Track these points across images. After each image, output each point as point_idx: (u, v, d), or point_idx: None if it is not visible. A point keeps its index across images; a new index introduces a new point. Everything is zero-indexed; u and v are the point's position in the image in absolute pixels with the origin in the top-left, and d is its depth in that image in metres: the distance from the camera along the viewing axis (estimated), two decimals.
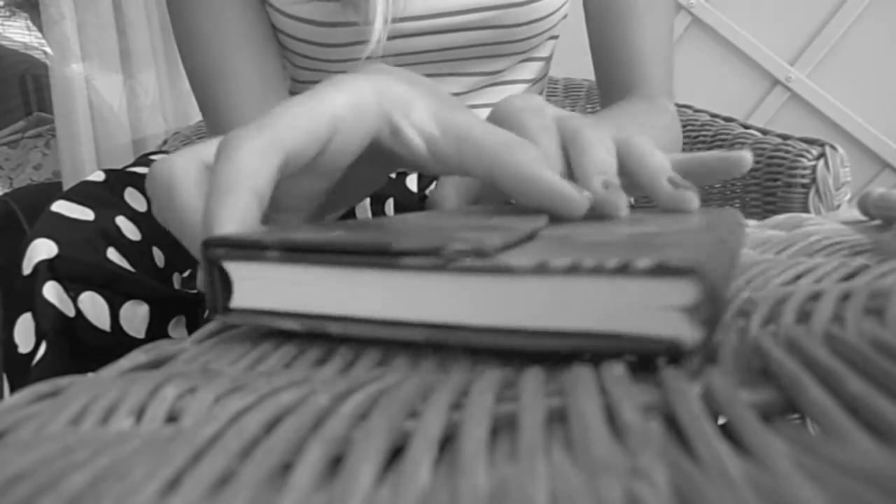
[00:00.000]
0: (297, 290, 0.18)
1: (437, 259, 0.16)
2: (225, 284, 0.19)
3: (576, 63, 0.59)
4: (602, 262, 0.14)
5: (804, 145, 0.58)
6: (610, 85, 0.57)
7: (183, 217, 0.24)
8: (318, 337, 0.18)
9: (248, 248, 0.18)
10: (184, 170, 0.25)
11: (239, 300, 0.19)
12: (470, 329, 0.16)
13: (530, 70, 0.58)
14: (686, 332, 0.13)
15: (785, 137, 0.62)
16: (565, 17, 0.55)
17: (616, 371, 0.13)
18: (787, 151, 0.59)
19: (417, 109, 0.26)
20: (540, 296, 0.15)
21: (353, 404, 0.12)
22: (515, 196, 0.25)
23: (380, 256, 0.16)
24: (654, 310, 0.14)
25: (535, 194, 0.24)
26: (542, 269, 0.15)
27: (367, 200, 0.55)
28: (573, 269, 0.14)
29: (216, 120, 0.50)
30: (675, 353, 0.14)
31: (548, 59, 0.60)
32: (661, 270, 0.13)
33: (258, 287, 0.18)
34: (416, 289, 0.16)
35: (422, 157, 0.26)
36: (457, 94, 0.55)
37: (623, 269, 0.14)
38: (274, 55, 0.52)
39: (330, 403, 0.12)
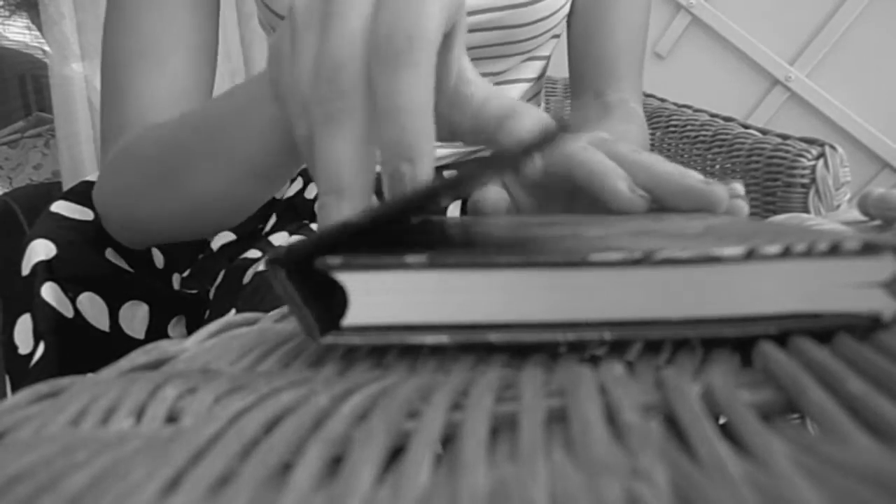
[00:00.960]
0: (445, 298, 0.16)
1: (634, 253, 0.15)
2: (327, 299, 0.16)
3: None
4: (813, 245, 0.15)
5: (804, 145, 0.58)
6: (582, 80, 0.57)
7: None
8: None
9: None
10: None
11: (356, 316, 0.16)
12: (667, 322, 0.15)
13: (533, 69, 0.58)
14: (886, 306, 0.14)
15: (784, 137, 0.62)
16: (566, 16, 0.56)
17: (616, 371, 0.13)
18: (787, 151, 0.59)
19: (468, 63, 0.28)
20: (744, 282, 0.15)
21: (353, 404, 0.12)
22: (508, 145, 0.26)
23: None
24: (855, 287, 0.15)
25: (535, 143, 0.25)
26: (753, 256, 0.15)
27: None
28: (785, 254, 0.15)
29: (121, 103, 0.44)
30: (874, 327, 0.14)
31: (549, 58, 0.60)
32: (869, 249, 0.14)
33: (385, 300, 0.16)
34: (604, 286, 0.15)
35: (449, 85, 0.27)
36: None
37: (834, 251, 0.14)
38: (209, 63, 0.49)
39: (330, 403, 0.12)
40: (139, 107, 0.44)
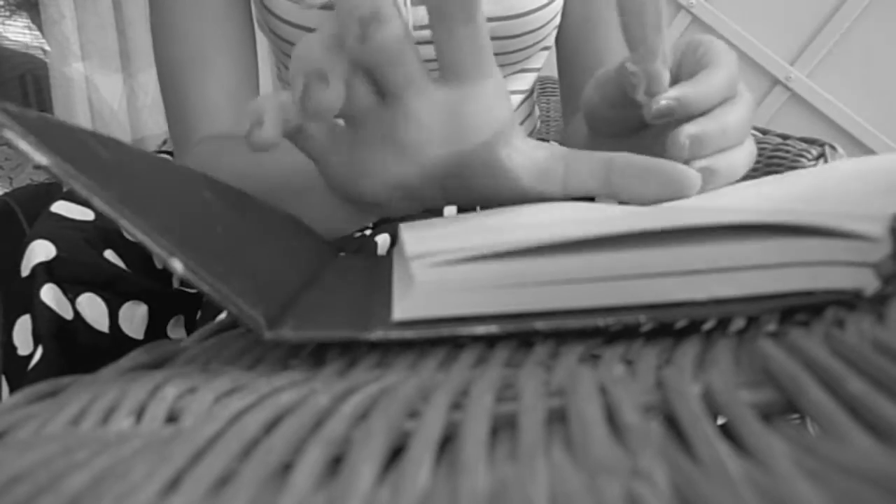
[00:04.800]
0: (496, 289, 0.16)
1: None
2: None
3: None
4: (824, 223, 0.16)
5: (804, 145, 0.58)
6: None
7: None
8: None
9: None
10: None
11: (405, 310, 0.16)
12: (689, 304, 0.16)
13: (525, 81, 0.59)
14: (869, 283, 0.16)
15: (785, 137, 0.61)
16: (556, 27, 0.56)
17: (616, 371, 0.13)
18: (787, 151, 0.59)
19: None
20: (757, 260, 0.16)
21: (353, 404, 0.12)
22: None
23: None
24: (848, 266, 0.16)
25: None
26: (772, 229, 0.16)
27: None
28: (803, 231, 0.16)
29: (182, 112, 0.48)
30: (856, 300, 0.16)
31: (539, 70, 0.61)
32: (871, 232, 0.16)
33: (440, 292, 0.16)
34: (636, 270, 0.16)
35: None
36: None
37: (842, 232, 0.16)
38: (251, 56, 0.51)
39: (330, 403, 0.12)
40: (196, 114, 0.47)
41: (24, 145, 0.14)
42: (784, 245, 0.16)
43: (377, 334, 0.16)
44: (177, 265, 0.15)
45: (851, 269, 0.16)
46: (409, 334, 0.16)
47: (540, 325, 0.16)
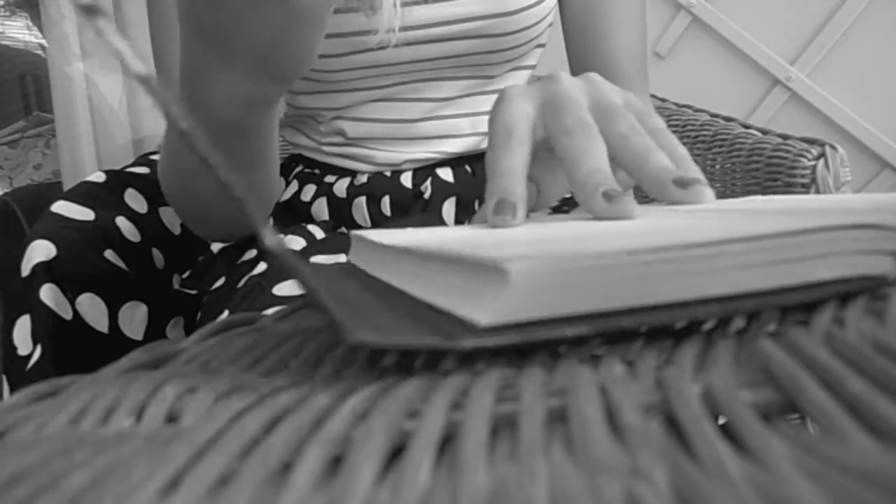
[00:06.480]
0: (585, 288, 0.16)
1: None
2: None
3: None
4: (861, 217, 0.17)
5: (804, 145, 0.58)
6: None
7: None
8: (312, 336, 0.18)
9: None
10: None
11: (497, 314, 0.15)
12: (749, 296, 0.16)
13: (520, 79, 0.59)
14: (892, 269, 0.17)
15: (785, 137, 0.61)
16: (550, 24, 0.57)
17: (616, 371, 0.13)
18: (787, 151, 0.59)
19: None
20: (806, 253, 0.17)
21: (353, 404, 0.12)
22: None
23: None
24: (875, 254, 0.17)
25: None
26: (835, 227, 0.17)
27: (364, 199, 0.55)
28: (849, 226, 0.17)
29: None
30: (881, 286, 0.17)
31: (534, 68, 0.61)
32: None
33: (528, 294, 0.16)
34: (709, 265, 0.16)
35: None
36: (447, 100, 0.56)
37: (872, 224, 0.17)
38: None
39: (330, 403, 0.12)
40: None
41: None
42: (810, 238, 0.17)
43: (469, 342, 0.15)
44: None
45: (874, 256, 0.17)
46: (501, 341, 0.15)
47: (627, 322, 0.15)
